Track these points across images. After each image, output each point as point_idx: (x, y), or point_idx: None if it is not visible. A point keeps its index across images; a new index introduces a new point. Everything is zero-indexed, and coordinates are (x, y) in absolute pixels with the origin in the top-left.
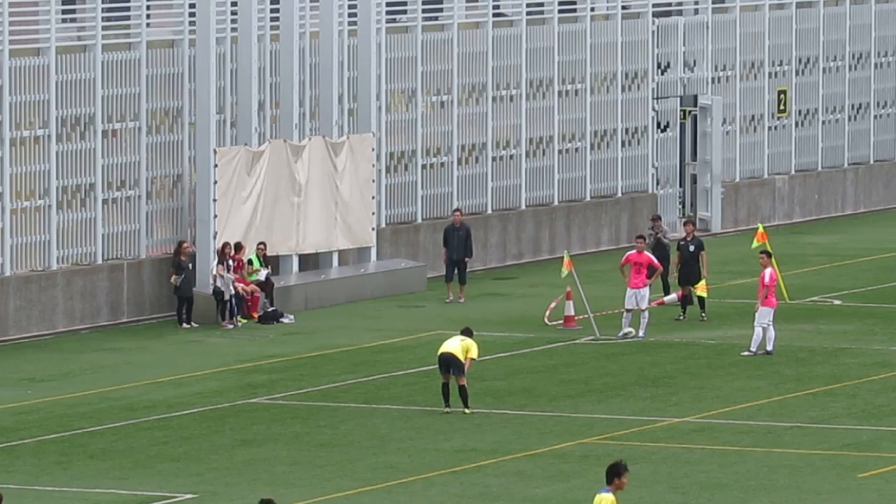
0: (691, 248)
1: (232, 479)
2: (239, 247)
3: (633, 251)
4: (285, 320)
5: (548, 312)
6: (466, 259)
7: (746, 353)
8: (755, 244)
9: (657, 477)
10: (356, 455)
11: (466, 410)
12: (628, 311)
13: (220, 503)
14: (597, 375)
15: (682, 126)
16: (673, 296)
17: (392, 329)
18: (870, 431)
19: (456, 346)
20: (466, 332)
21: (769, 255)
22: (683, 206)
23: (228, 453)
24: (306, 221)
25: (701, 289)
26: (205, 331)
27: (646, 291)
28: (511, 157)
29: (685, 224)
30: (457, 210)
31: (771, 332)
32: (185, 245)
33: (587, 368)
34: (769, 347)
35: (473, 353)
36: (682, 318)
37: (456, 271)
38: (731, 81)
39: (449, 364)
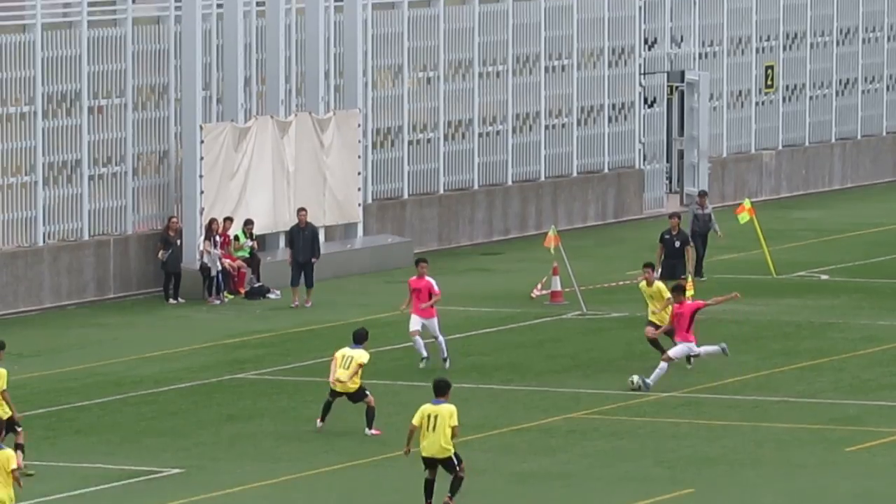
0: (677, 243)
1: (219, 453)
2: (227, 221)
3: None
4: (272, 296)
5: (535, 292)
6: (313, 260)
7: (422, 363)
8: (745, 218)
9: (644, 451)
10: (343, 430)
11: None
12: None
13: (207, 477)
14: (583, 350)
15: (669, 102)
16: None
17: (378, 304)
18: (856, 406)
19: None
20: (678, 285)
21: (424, 260)
22: (670, 182)
23: (215, 428)
24: (293, 198)
25: (689, 287)
26: (191, 306)
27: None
28: (498, 132)
29: (670, 217)
30: (301, 210)
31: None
32: (174, 220)
33: (574, 343)
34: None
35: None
36: None
37: (303, 274)
38: (718, 57)
39: None
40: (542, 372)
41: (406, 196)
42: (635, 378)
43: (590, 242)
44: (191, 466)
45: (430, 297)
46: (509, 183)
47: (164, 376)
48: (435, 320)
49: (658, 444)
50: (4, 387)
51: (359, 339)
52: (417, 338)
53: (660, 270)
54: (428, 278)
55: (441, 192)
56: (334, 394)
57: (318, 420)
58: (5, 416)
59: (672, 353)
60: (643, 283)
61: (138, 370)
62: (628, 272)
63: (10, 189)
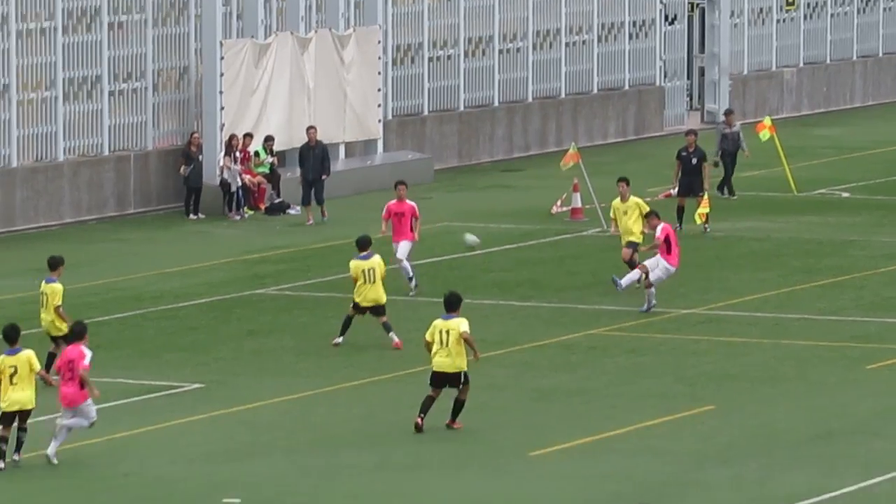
0: (693, 160)
1: (239, 369)
2: (247, 137)
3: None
4: (292, 212)
5: (555, 208)
6: (324, 177)
7: (412, 293)
8: (766, 135)
9: (664, 368)
10: (363, 345)
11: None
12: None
13: (227, 393)
14: (604, 267)
15: (690, 18)
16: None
17: None
18: (877, 324)
19: None
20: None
21: (404, 183)
22: (691, 99)
23: (235, 343)
24: (313, 114)
25: (704, 204)
26: (211, 222)
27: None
28: (518, 49)
29: (687, 135)
30: (311, 128)
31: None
32: (196, 136)
33: (594, 260)
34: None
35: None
36: (678, 228)
37: (313, 192)
38: None
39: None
40: (562, 288)
41: (426, 113)
42: (470, 238)
43: (610, 159)
44: (211, 381)
45: (411, 222)
46: (529, 100)
47: (184, 291)
48: (410, 245)
49: (678, 361)
50: (59, 302)
51: (363, 245)
52: (405, 263)
53: (677, 188)
54: (409, 201)
55: (461, 108)
56: (360, 309)
57: (338, 337)
58: (60, 335)
59: (652, 276)
60: (616, 200)
61: (158, 285)
62: (649, 189)
63: (30, 104)
